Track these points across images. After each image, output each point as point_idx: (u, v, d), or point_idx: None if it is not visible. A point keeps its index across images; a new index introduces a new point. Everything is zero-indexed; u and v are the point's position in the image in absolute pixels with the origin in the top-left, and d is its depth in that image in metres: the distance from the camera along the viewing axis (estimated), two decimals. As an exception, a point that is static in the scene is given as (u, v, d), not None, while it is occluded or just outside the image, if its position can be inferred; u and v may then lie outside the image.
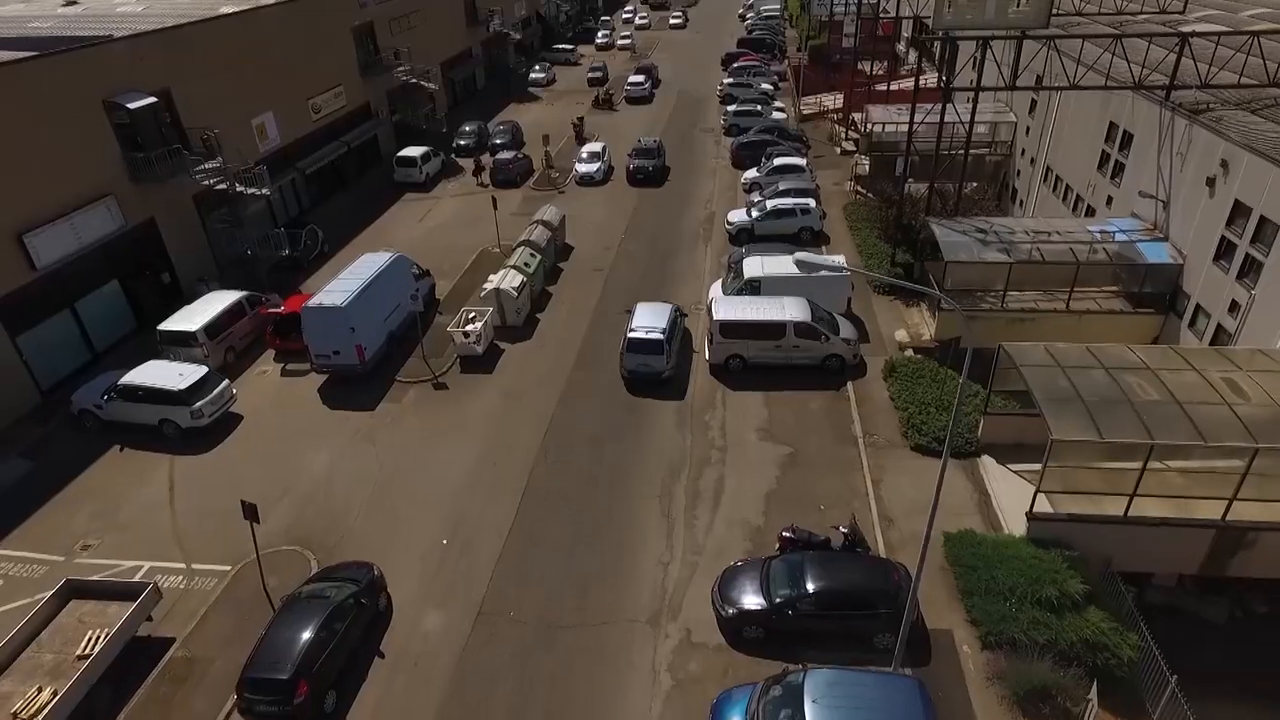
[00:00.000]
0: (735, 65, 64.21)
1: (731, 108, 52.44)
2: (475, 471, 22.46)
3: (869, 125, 41.13)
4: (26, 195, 25.06)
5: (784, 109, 53.80)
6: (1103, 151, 30.31)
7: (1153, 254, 25.56)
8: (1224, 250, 22.98)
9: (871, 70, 51.94)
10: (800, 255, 13.14)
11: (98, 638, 16.57)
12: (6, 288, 24.62)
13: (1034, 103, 37.14)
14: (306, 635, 15.80)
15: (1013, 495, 19.54)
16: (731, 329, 25.63)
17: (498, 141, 48.25)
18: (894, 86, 48.79)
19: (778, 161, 40.52)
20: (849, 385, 25.42)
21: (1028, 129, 38.12)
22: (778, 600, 16.71)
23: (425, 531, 20.38)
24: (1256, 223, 21.47)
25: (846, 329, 26.54)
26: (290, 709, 15.19)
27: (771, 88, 58.09)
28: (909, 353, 26.53)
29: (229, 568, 19.52)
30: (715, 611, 17.39)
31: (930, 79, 46.66)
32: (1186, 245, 24.80)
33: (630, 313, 26.74)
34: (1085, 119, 31.64)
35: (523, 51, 73.64)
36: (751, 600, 16.95)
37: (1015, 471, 20.55)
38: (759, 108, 51.76)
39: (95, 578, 18.17)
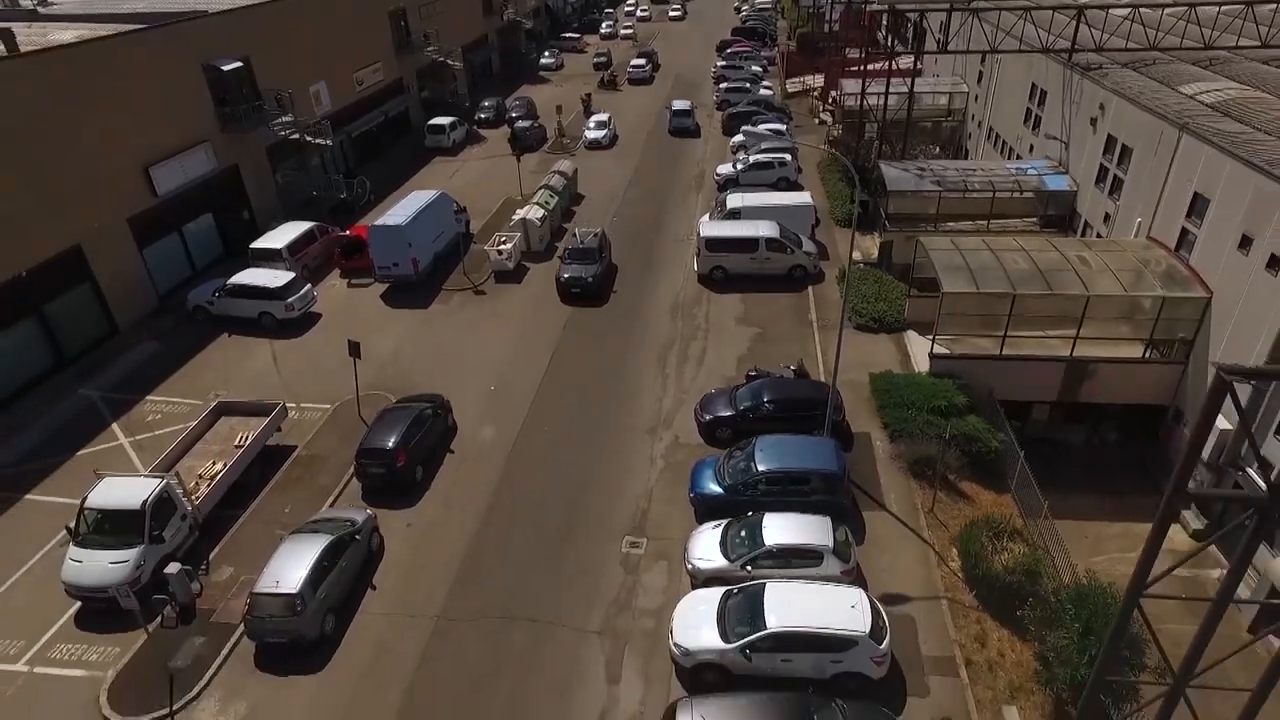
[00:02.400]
0: (728, 50, 70.88)
1: (724, 85, 59.03)
2: (512, 346, 28.94)
3: (842, 96, 47.73)
4: (148, 136, 31.57)
5: (771, 87, 60.35)
6: (1027, 108, 36.87)
7: (1054, 184, 32.10)
8: (1101, 175, 29.51)
9: (852, 53, 58.33)
10: (745, 129, 19.48)
11: (246, 437, 23.02)
12: (137, 209, 31.13)
13: (981, 74, 43.69)
14: (401, 427, 22.24)
15: (923, 351, 26.00)
16: (715, 244, 32.17)
17: (514, 115, 54.78)
18: (870, 67, 55.21)
19: (763, 127, 47.01)
20: (809, 289, 31.91)
21: (976, 96, 44.68)
22: (742, 408, 23.18)
23: (476, 383, 26.83)
24: (1120, 150, 28.02)
25: (809, 246, 33.03)
26: (393, 471, 21.65)
27: (761, 70, 64.74)
28: (860, 265, 32.97)
29: (329, 405, 25.98)
30: (696, 420, 23.89)
31: (903, 61, 53.27)
32: (1079, 175, 31.34)
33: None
34: (1015, 83, 38.21)
35: (533, 39, 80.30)
36: (723, 409, 23.44)
37: (928, 338, 27.01)
38: (748, 85, 58.34)
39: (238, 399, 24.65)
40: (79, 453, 24.24)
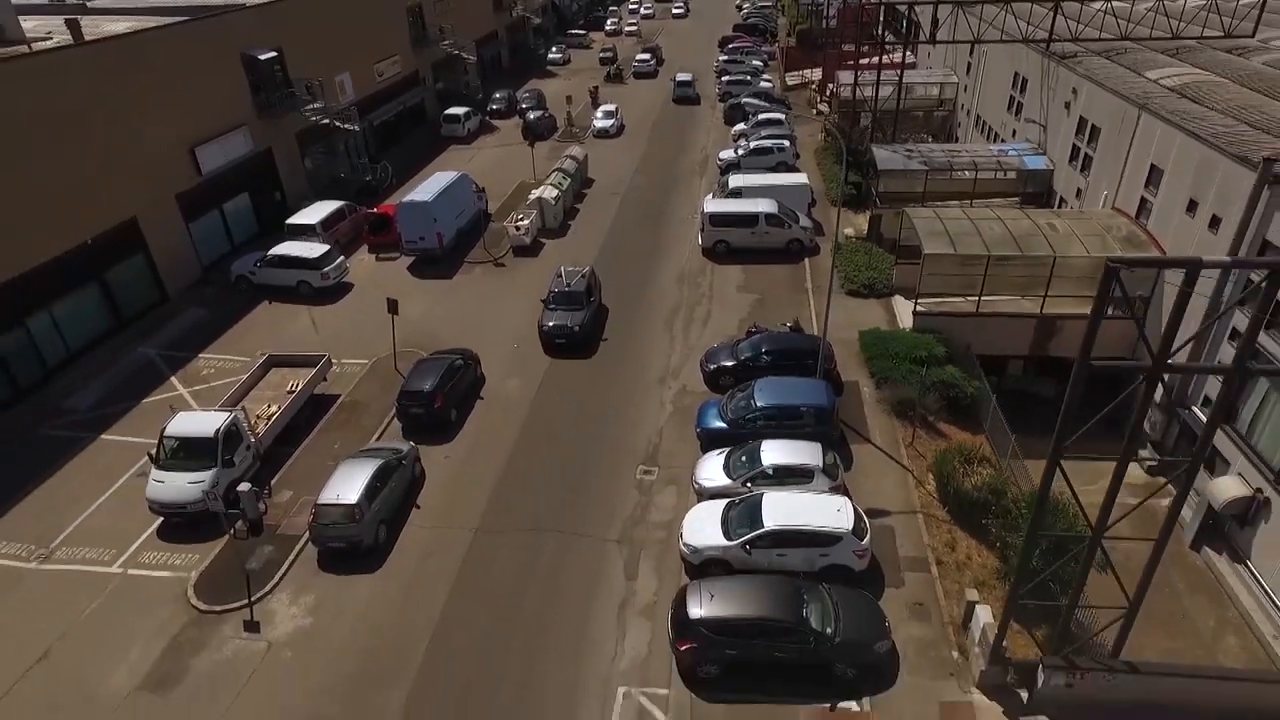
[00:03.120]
0: (730, 46, 73.57)
1: (725, 79, 61.72)
2: (531, 310, 31.48)
3: (838, 87, 50.39)
4: (193, 119, 34.26)
5: (771, 81, 63.00)
6: (1010, 96, 39.52)
7: (1033, 164, 34.73)
8: (1074, 154, 32.16)
9: (848, 48, 61.05)
10: (745, 100, 22.13)
11: (295, 385, 25.68)
12: (184, 186, 33.83)
13: (969, 66, 46.35)
14: (437, 374, 24.90)
15: (908, 312, 28.61)
16: (718, 219, 34.84)
17: (524, 106, 57.46)
18: (866, 61, 57.93)
19: (762, 116, 49.69)
20: (805, 261, 34.56)
21: (965, 87, 47.34)
22: (743, 358, 25.84)
23: (500, 342, 29.47)
24: (1090, 130, 30.68)
25: (805, 222, 35.69)
26: (430, 412, 24.32)
27: (761, 65, 67.39)
28: (852, 238, 35.58)
29: (367, 361, 28.64)
30: (701, 370, 26.56)
31: (896, 55, 56.03)
32: (1055, 155, 33.98)
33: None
34: (999, 73, 40.87)
35: (541, 35, 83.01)
36: (725, 360, 26.10)
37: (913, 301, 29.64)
38: (748, 78, 61.01)
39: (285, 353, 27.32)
40: (143, 401, 26.93)
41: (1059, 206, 33.19)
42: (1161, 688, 14.91)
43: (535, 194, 38.64)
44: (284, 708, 16.77)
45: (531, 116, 52.99)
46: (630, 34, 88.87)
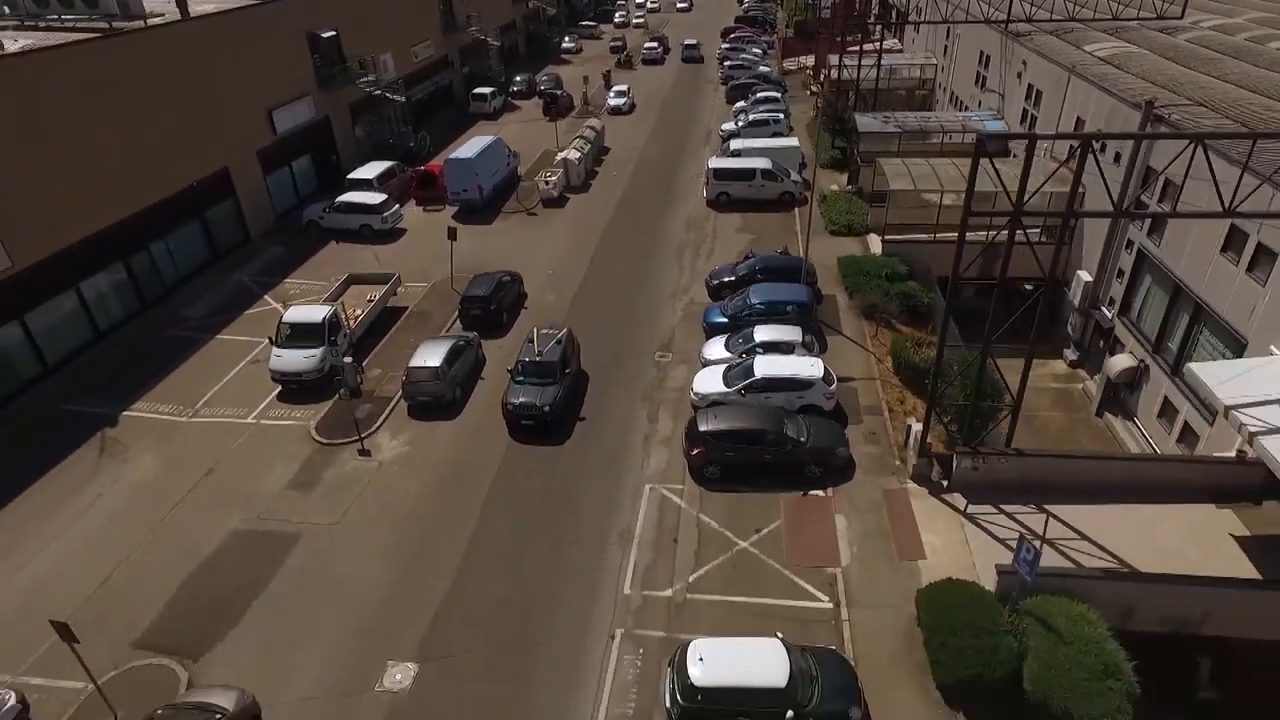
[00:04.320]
0: (732, 36, 79.75)
1: (727, 64, 67.89)
2: (561, 249, 37.60)
3: (829, 70, 56.49)
4: (269, 87, 40.32)
5: (769, 67, 69.14)
6: (976, 71, 45.61)
7: (992, 127, 40.64)
8: (1024, 116, 38.20)
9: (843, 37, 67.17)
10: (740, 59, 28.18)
11: (373, 296, 31.69)
12: (262, 144, 39.91)
13: (946, 48, 52.51)
14: (491, 284, 30.97)
15: (879, 244, 34.64)
16: (720, 174, 40.93)
17: (543, 87, 63.57)
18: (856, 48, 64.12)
19: (760, 95, 55.78)
20: (795, 209, 40.57)
21: (941, 68, 53.48)
22: (741, 274, 31.85)
23: (536, 270, 35.40)
24: (1035, 94, 36.74)
25: (795, 178, 41.72)
26: (487, 313, 30.36)
27: (760, 52, 73.57)
28: (837, 192, 41.59)
29: (427, 284, 34.65)
30: (706, 286, 32.58)
31: (888, 43, 62.46)
32: (1010, 118, 40.02)
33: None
34: (968, 53, 46.99)
35: (555, 25, 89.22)
36: (726, 276, 32.12)
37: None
38: (748, 62, 67.12)
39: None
40: (245, 313, 32.97)
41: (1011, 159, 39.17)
42: (1041, 466, 20.89)
43: (561, 155, 44.73)
44: (393, 503, 22.73)
45: (557, 92, 59.19)
46: (638, 26, 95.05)
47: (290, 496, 23.00)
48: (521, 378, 25.55)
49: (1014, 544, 16.91)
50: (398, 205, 40.50)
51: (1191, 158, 17.45)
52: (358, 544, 21.21)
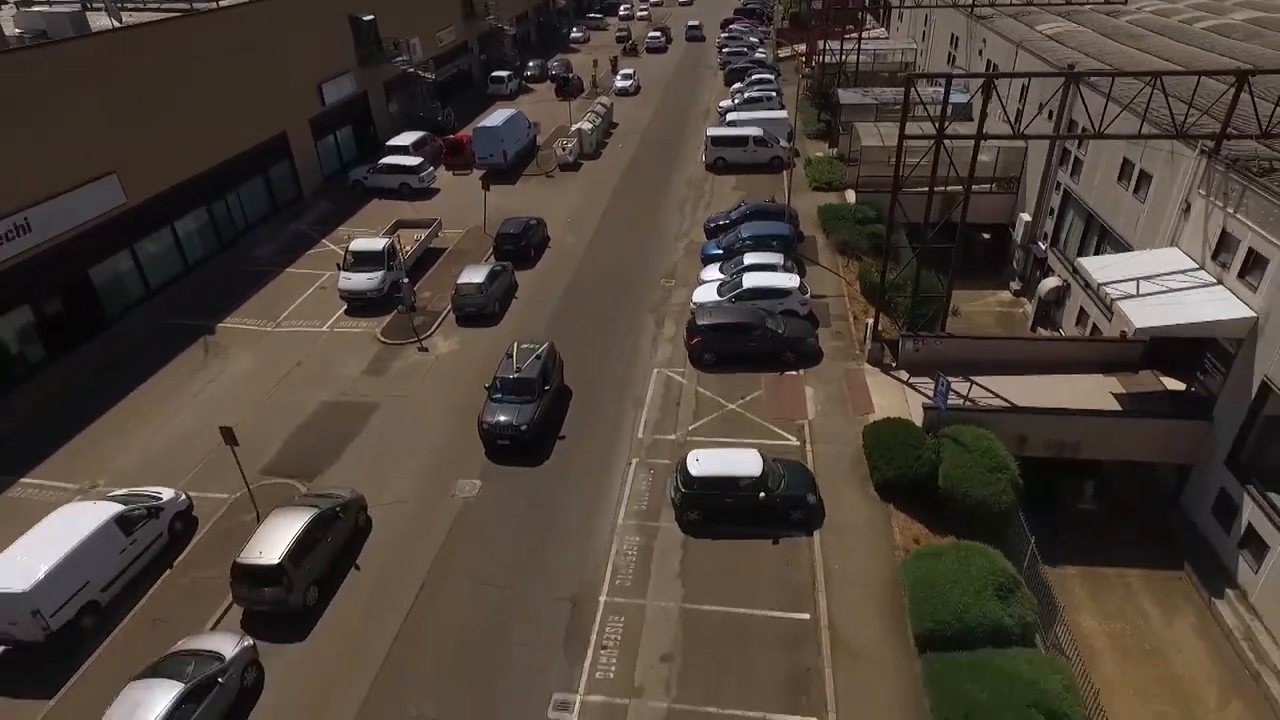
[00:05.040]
0: (731, 26, 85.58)
1: (725, 50, 73.71)
2: (578, 203, 43.32)
3: (818, 55, 62.25)
4: (318, 63, 46.08)
5: (765, 53, 74.94)
6: (948, 51, 51.39)
7: (957, 98, 46.35)
8: (984, 87, 43.81)
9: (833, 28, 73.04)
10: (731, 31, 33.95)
11: (419, 236, 37.40)
12: (313, 113, 45.67)
13: (924, 33, 58.34)
14: (520, 225, 36.70)
15: (853, 196, 40.32)
16: (717, 140, 46.70)
17: (554, 72, 69.35)
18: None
19: (755, 76, 61.55)
20: (784, 172, 46.28)
21: (921, 52, 59.29)
22: (734, 218, 37.55)
23: (558, 220, 41.13)
24: (992, 65, 42.48)
25: (784, 144, 47.45)
26: (518, 249, 36.08)
27: (757, 41, 79.34)
28: (820, 157, 47.31)
29: (462, 230, 40.38)
30: (704, 229, 38.29)
31: (875, 30, 68.44)
32: (973, 90, 45.70)
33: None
34: (941, 36, 52.80)
35: (563, 17, 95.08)
36: (722, 219, 37.83)
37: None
38: (745, 51, 72.93)
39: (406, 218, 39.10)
40: (307, 252, 38.70)
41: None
42: (968, 346, 26.55)
43: (575, 126, 50.51)
44: (449, 384, 28.35)
45: (568, 75, 65.10)
46: (641, 18, 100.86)
47: (366, 379, 28.72)
48: (499, 395, 24.50)
49: (940, 393, 22.61)
50: (432, 167, 46.25)
51: (1106, 107, 23.08)
52: (424, 409, 26.92)
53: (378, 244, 33.84)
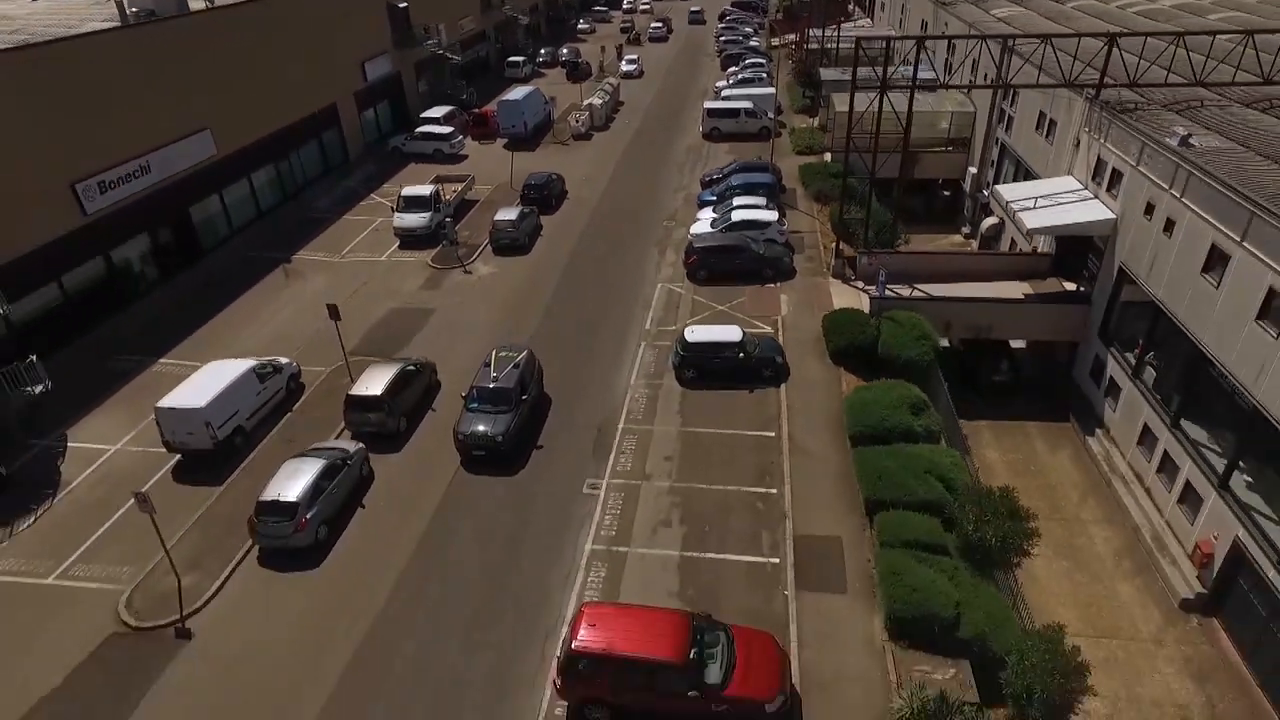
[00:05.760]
0: (728, 18, 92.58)
1: (722, 39, 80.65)
2: (592, 164, 50.15)
3: (806, 41, 69.18)
4: (360, 44, 52.93)
5: (758, 41, 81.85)
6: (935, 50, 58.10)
7: (924, 74, 53.22)
8: (946, 66, 50.69)
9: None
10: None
11: (455, 189, 44.20)
12: (357, 88, 52.53)
13: (900, 20, 65.21)
14: (545, 178, 43.55)
15: (830, 158, 47.09)
16: (712, 112, 53.65)
17: (564, 58, 76.24)
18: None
19: (748, 60, 68.44)
20: (771, 140, 53.15)
21: (898, 36, 66.01)
22: (726, 171, 44.36)
23: (575, 176, 47.97)
24: (953, 48, 49.30)
25: (771, 115, 54.29)
26: (544, 198, 42.91)
27: (751, 30, 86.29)
28: (804, 129, 54.10)
29: (491, 185, 47.23)
30: (701, 182, 45.12)
31: (861, 20, 75.41)
32: (939, 67, 52.54)
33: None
34: (914, 21, 59.60)
35: (570, 9, 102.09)
36: (715, 174, 44.65)
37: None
38: (740, 38, 79.88)
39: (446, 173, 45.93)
40: (359, 203, 45.53)
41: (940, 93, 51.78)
42: (913, 260, 33.28)
43: (587, 101, 57.40)
44: (492, 296, 35.08)
45: (578, 61, 72.03)
46: (644, 11, 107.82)
47: (422, 293, 35.53)
48: (475, 404, 24.51)
49: (880, 283, 29.36)
50: (462, 136, 53.13)
51: (1038, 77, 29.83)
52: (472, 312, 33.71)
53: (425, 190, 40.69)
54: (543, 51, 78.20)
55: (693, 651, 16.26)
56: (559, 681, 16.76)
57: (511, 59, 72.87)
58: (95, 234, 32.46)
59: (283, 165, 45.24)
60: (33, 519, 23.32)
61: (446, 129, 52.36)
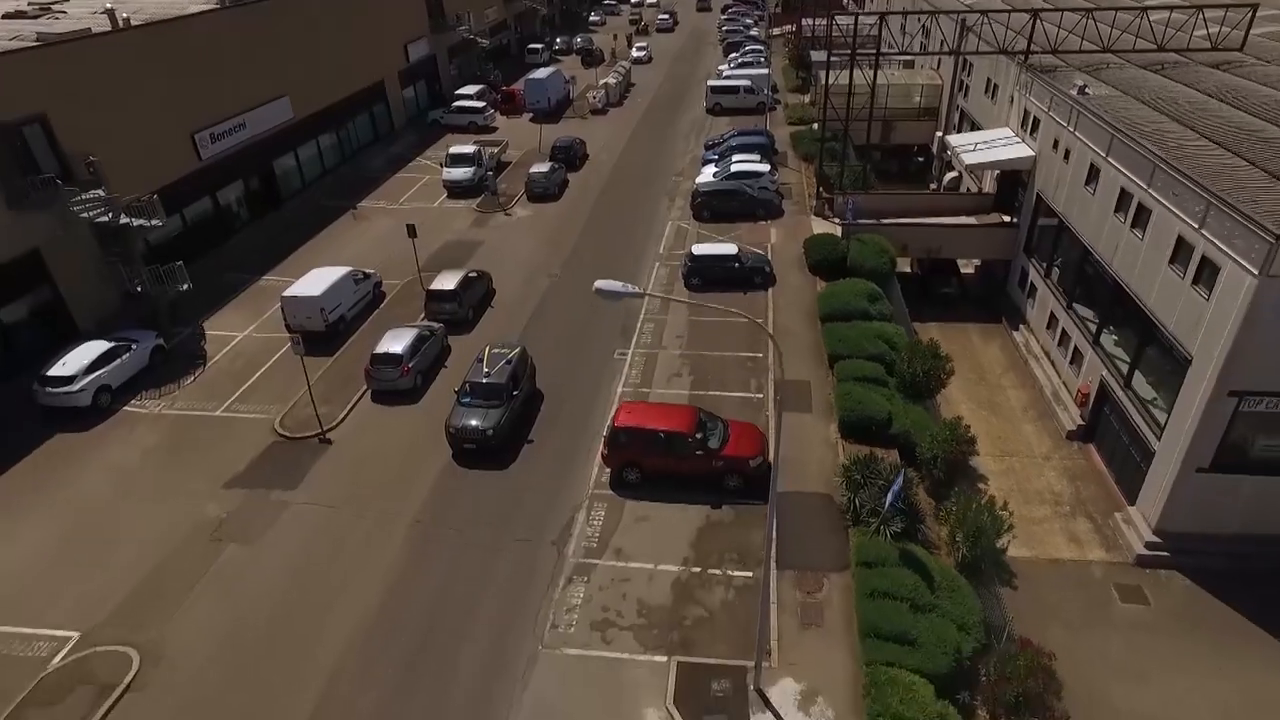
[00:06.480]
0: (730, 10, 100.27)
1: (724, 28, 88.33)
2: (608, 134, 57.69)
3: (803, 31, 76.73)
4: (402, 28, 60.55)
5: (757, 32, 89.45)
6: (900, 22, 65.64)
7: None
8: (920, 46, 58.18)
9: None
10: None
11: (493, 153, 51.72)
12: (401, 66, 60.15)
13: (887, 5, 72.69)
14: (570, 142, 51.10)
15: (817, 126, 54.53)
16: (715, 90, 61.31)
17: (578, 44, 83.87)
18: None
19: (748, 47, 76.02)
20: (767, 113, 60.65)
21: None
22: (725, 137, 51.86)
23: (596, 143, 55.50)
24: (926, 30, 56.83)
25: (768, 93, 61.80)
26: (569, 159, 50.45)
27: (751, 21, 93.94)
28: (796, 105, 61.55)
29: (520, 151, 54.77)
30: (704, 147, 52.64)
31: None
32: (916, 48, 60.03)
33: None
34: (896, 9, 67.05)
35: (582, 3, 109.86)
36: (716, 140, 52.16)
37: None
38: (741, 28, 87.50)
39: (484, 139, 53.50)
40: (407, 164, 53.10)
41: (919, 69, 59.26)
42: (883, 199, 40.68)
43: (603, 80, 65.01)
44: (531, 230, 42.60)
45: (591, 48, 79.70)
46: (651, 4, 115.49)
47: (471, 230, 43.07)
48: (467, 399, 25.53)
49: (849, 209, 36.79)
50: (494, 110, 60.74)
51: (984, 53, 37.29)
52: (516, 244, 41.22)
53: (469, 149, 48.29)
54: (559, 40, 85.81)
55: (698, 428, 23.66)
56: (605, 452, 24.20)
57: (531, 46, 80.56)
58: (206, 177, 40.03)
59: (342, 132, 52.83)
60: (193, 378, 30.80)
61: (480, 104, 59.95)
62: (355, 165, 52.89)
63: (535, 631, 19.90)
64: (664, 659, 18.98)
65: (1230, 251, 20.58)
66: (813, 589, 20.44)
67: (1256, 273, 19.51)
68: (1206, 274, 21.70)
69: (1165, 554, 23.82)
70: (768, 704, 17.77)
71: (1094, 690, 20.53)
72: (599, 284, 14.02)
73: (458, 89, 64.28)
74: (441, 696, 18.43)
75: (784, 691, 18.04)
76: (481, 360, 27.02)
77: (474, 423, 25.08)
